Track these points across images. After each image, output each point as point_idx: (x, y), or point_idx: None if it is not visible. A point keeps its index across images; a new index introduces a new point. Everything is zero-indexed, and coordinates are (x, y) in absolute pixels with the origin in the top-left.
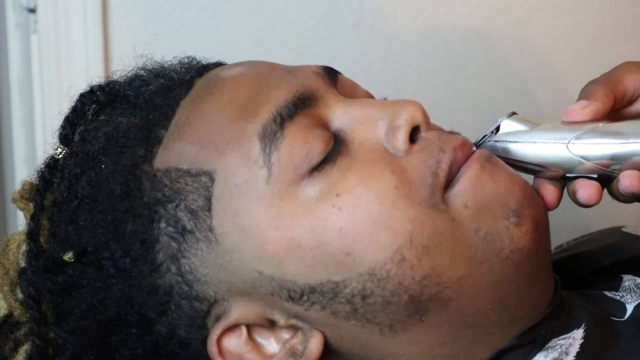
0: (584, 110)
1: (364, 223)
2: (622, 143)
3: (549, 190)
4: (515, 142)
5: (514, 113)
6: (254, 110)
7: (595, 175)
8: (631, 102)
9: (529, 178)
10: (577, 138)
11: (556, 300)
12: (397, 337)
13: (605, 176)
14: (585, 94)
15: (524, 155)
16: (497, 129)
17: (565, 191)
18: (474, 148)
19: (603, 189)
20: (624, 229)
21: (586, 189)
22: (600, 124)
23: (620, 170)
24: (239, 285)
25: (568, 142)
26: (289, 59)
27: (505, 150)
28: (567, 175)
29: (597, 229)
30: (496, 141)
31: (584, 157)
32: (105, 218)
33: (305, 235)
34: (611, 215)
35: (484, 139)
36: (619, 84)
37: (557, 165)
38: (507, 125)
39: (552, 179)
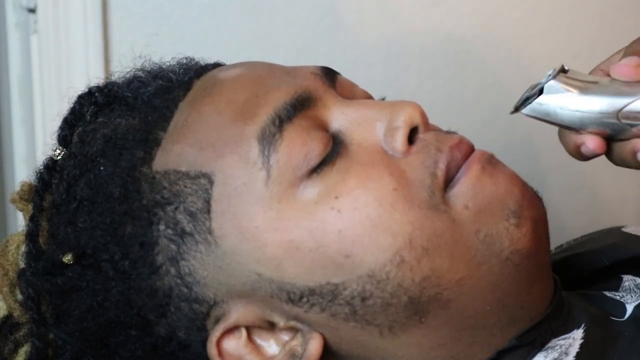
0: (638, 69)
1: (363, 225)
2: None
3: (595, 138)
4: (561, 108)
5: (563, 69)
6: (253, 112)
7: None
8: None
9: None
10: (627, 107)
11: (556, 301)
12: (396, 338)
13: None
14: (634, 49)
15: (570, 121)
16: (541, 90)
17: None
18: (512, 111)
19: None
20: (624, 229)
21: None
22: None
23: None
24: (238, 287)
25: (619, 112)
26: (289, 59)
27: (548, 114)
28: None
29: (597, 229)
30: (540, 104)
31: (635, 126)
32: (104, 220)
33: (304, 237)
34: (611, 215)
35: (527, 101)
36: None
37: (605, 132)
38: (552, 87)
39: None
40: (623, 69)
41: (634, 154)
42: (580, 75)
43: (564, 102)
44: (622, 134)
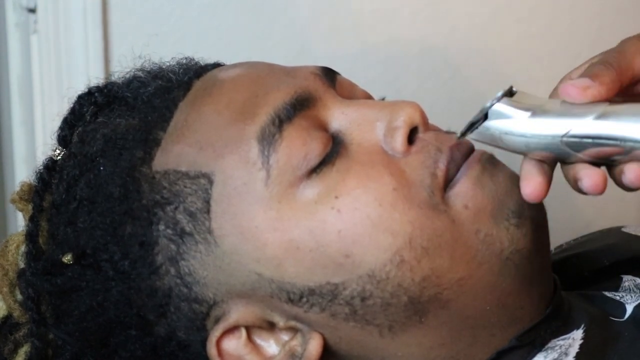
0: (586, 91)
1: (363, 225)
2: (619, 143)
3: (537, 183)
4: (506, 134)
5: (510, 91)
6: (252, 112)
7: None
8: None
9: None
10: (572, 133)
11: (555, 301)
12: (396, 338)
13: (605, 164)
14: (591, 72)
15: (515, 147)
16: (486, 115)
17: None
18: (459, 136)
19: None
20: (624, 229)
21: (590, 178)
22: (601, 109)
23: (621, 161)
24: (238, 287)
25: (562, 137)
26: (289, 59)
27: (494, 139)
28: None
29: (597, 229)
30: (486, 129)
31: (580, 152)
32: (104, 220)
33: (304, 237)
34: (611, 215)
35: (473, 125)
36: (629, 69)
37: (553, 156)
38: (497, 112)
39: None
40: (570, 89)
41: (576, 181)
42: (527, 98)
43: (509, 126)
44: (568, 158)
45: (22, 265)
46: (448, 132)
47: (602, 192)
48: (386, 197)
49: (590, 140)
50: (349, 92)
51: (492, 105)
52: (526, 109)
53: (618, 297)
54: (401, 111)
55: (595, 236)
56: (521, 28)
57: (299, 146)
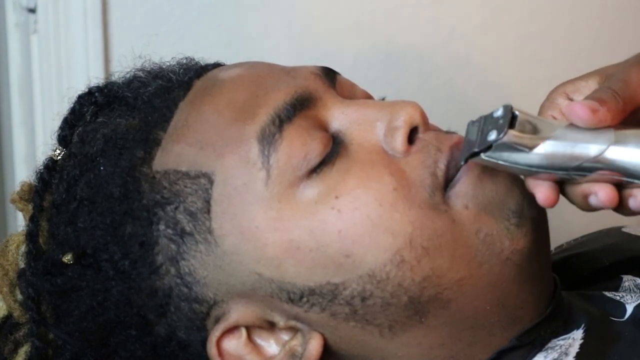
0: (594, 115)
1: (363, 225)
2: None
3: (549, 188)
4: (511, 164)
5: (512, 113)
6: (253, 112)
7: None
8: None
9: None
10: (582, 166)
11: (556, 301)
12: (396, 338)
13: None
14: (598, 97)
15: (521, 173)
16: (489, 147)
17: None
18: (462, 162)
19: None
20: (624, 229)
21: (604, 190)
22: (607, 140)
23: (629, 186)
24: (239, 287)
25: (570, 171)
26: (289, 59)
27: (498, 166)
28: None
29: (597, 229)
30: (490, 157)
31: (588, 178)
32: (104, 220)
33: (304, 237)
34: (611, 215)
35: (474, 155)
36: (633, 101)
37: (559, 177)
38: (502, 145)
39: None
40: (579, 109)
41: (585, 197)
42: (529, 123)
43: (514, 158)
44: (573, 180)
45: (22, 265)
46: (448, 132)
47: (616, 204)
48: (386, 197)
49: (599, 171)
50: (349, 92)
51: (497, 140)
52: (530, 144)
53: (618, 297)
54: (401, 111)
55: (595, 236)
56: (521, 29)
57: (299, 146)
